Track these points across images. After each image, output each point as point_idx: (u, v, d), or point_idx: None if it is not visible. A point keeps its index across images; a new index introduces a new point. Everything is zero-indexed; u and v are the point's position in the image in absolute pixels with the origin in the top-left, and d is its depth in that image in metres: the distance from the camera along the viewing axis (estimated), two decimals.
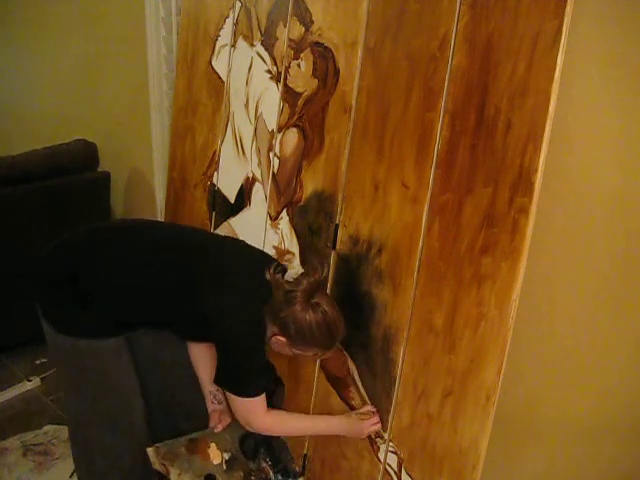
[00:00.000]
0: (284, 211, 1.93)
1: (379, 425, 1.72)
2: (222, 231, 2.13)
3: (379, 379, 1.74)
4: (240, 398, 1.61)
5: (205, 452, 1.76)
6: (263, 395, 1.62)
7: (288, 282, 1.59)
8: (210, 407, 1.89)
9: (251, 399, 1.60)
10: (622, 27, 1.41)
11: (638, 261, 1.47)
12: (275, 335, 1.59)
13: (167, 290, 1.60)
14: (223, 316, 1.54)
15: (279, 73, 1.88)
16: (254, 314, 1.57)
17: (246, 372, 1.60)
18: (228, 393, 1.63)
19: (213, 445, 1.78)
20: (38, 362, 2.79)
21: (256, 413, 1.63)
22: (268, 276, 1.57)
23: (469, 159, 1.49)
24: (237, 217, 2.08)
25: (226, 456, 1.78)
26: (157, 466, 1.70)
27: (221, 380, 1.63)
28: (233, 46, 2.01)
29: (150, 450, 1.71)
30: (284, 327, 1.56)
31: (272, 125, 1.93)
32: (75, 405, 1.75)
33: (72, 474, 2.14)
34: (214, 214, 2.14)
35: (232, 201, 2.09)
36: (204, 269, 1.60)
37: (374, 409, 1.73)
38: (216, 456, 1.77)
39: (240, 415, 1.65)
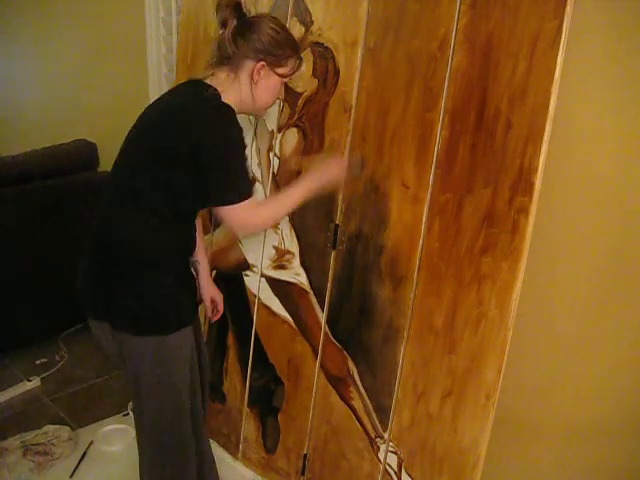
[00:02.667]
0: None
1: (345, 160, 1.69)
2: (222, 231, 2.13)
3: (379, 379, 1.74)
4: (241, 204, 1.51)
5: None
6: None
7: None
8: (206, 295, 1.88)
9: (251, 199, 1.54)
10: (622, 27, 1.41)
11: (637, 260, 1.47)
12: (256, 65, 1.54)
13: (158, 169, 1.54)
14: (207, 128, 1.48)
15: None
16: (218, 103, 1.51)
17: (241, 171, 1.53)
18: (227, 208, 1.52)
19: None
20: (38, 362, 2.80)
21: (256, 211, 1.57)
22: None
23: (469, 159, 1.49)
24: None
25: None
26: None
27: (221, 197, 1.52)
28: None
29: None
30: (253, 48, 1.53)
31: (272, 125, 1.93)
32: (166, 405, 1.68)
33: (72, 474, 2.15)
34: (214, 214, 2.14)
35: None
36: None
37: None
38: None
39: (240, 224, 1.59)
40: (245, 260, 2.06)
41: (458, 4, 1.47)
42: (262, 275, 2.01)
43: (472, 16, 1.45)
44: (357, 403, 1.80)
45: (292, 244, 1.92)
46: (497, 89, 1.43)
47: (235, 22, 1.52)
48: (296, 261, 1.91)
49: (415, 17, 1.55)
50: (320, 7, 1.74)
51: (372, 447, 1.79)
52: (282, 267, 1.95)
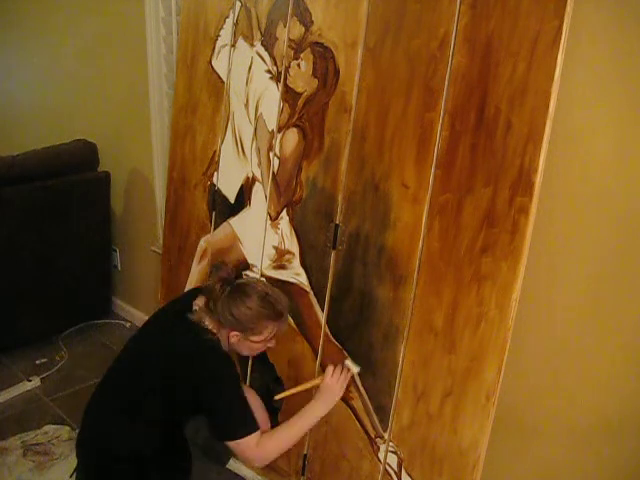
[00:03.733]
0: (284, 211, 1.93)
1: (345, 377, 1.68)
2: (222, 231, 2.13)
3: (379, 379, 1.74)
4: (248, 437, 1.55)
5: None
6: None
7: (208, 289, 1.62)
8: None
9: (256, 432, 1.56)
10: (622, 27, 1.41)
11: (637, 260, 1.47)
12: (230, 334, 1.59)
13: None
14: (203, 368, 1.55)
15: (279, 73, 1.88)
16: (215, 348, 1.58)
17: (243, 409, 1.58)
18: (235, 442, 1.55)
19: None
20: (38, 362, 2.79)
21: (262, 444, 1.57)
22: (196, 306, 1.62)
23: (469, 159, 1.49)
24: (237, 217, 2.08)
25: None
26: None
27: (228, 432, 1.57)
28: (233, 46, 2.01)
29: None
30: (230, 320, 1.56)
31: (272, 125, 1.93)
32: None
33: (72, 474, 2.15)
34: (214, 214, 2.14)
35: (232, 201, 2.09)
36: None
37: (332, 367, 1.69)
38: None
39: (248, 456, 1.61)
40: (245, 260, 2.06)
41: (458, 4, 1.47)
42: (262, 275, 2.01)
43: (472, 16, 1.45)
44: (357, 403, 1.80)
45: (292, 244, 1.92)
46: (497, 89, 1.43)
47: (223, 290, 1.56)
48: (296, 261, 1.91)
49: (415, 17, 1.55)
50: (320, 7, 1.74)
51: (372, 447, 1.79)
52: (282, 267, 1.95)
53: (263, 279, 1.70)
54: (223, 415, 1.57)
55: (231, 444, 1.56)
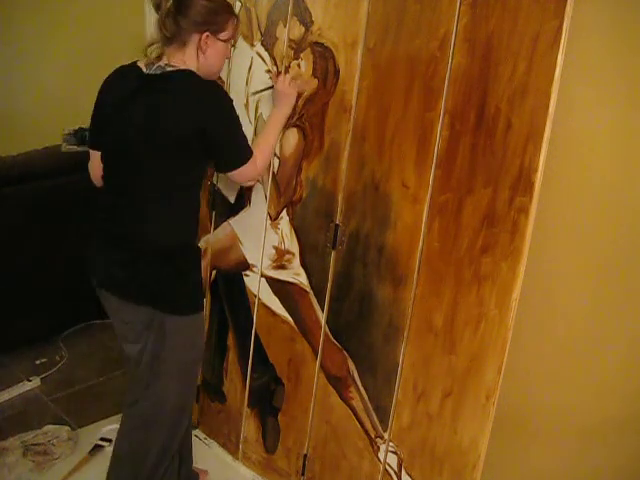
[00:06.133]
0: (284, 211, 1.93)
1: (289, 78, 1.78)
2: (222, 231, 2.13)
3: (379, 379, 1.74)
4: (248, 162, 1.67)
5: None
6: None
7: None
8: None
9: (254, 156, 1.68)
10: (622, 27, 1.41)
11: (637, 260, 1.47)
12: (202, 38, 1.60)
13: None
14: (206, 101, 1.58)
15: (279, 73, 1.88)
16: (196, 79, 1.60)
17: (243, 136, 1.67)
18: (236, 171, 1.68)
19: None
20: (38, 362, 2.79)
21: (256, 164, 1.70)
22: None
23: (469, 159, 1.49)
24: (237, 217, 2.08)
25: None
26: None
27: (231, 162, 1.67)
28: (233, 46, 2.01)
29: None
30: (194, 21, 1.57)
31: None
32: (182, 388, 1.82)
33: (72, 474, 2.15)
34: (214, 214, 2.14)
35: (232, 201, 2.09)
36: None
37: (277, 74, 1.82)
38: None
39: (246, 180, 1.77)
40: (245, 260, 2.06)
41: (458, 4, 1.47)
42: (262, 275, 2.01)
43: (472, 16, 1.45)
44: (357, 403, 1.80)
45: (292, 244, 1.92)
46: (497, 89, 1.43)
47: (170, 2, 1.55)
48: (296, 261, 1.91)
49: (415, 17, 1.55)
50: (320, 7, 1.74)
51: (372, 447, 1.79)
52: (282, 267, 1.95)
53: None
54: (232, 145, 1.67)
55: (238, 170, 1.67)
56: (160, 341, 1.70)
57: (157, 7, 1.58)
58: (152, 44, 1.65)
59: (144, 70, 1.63)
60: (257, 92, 1.89)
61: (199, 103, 1.57)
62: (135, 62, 1.69)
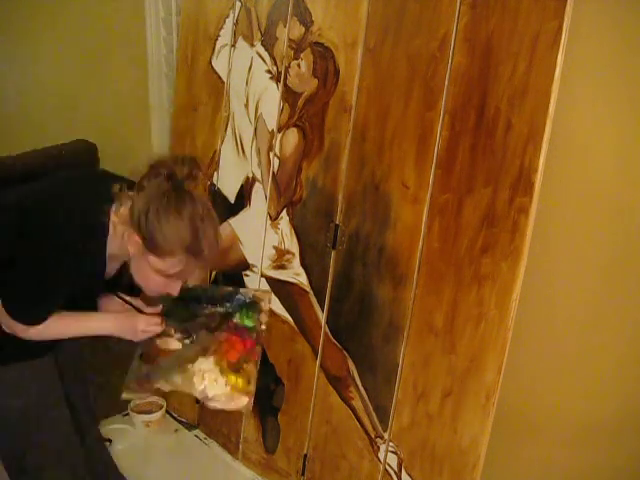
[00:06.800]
0: (284, 211, 1.93)
1: (157, 327, 1.49)
2: (222, 231, 2.12)
3: (379, 379, 1.74)
4: (23, 322, 1.35)
5: (164, 351, 1.56)
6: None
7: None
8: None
9: (35, 324, 1.36)
10: (622, 27, 1.41)
11: (637, 260, 1.47)
12: (132, 237, 1.27)
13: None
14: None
15: (279, 73, 1.88)
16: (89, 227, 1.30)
17: (36, 294, 1.34)
18: (9, 316, 1.34)
19: (161, 341, 1.56)
20: None
21: (27, 330, 1.37)
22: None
23: (469, 159, 1.49)
24: (237, 217, 2.08)
25: (179, 336, 1.58)
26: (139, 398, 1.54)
27: (11, 307, 1.34)
28: (233, 46, 2.01)
29: (125, 394, 1.53)
30: (140, 221, 1.24)
31: (272, 125, 1.93)
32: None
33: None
34: None
35: (232, 201, 2.09)
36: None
37: (156, 310, 1.52)
38: (173, 343, 1.57)
39: (12, 329, 1.37)
40: (245, 260, 2.06)
41: (458, 4, 1.47)
42: (262, 275, 2.01)
43: (472, 16, 1.45)
44: (357, 403, 1.80)
45: (292, 244, 1.92)
46: (497, 89, 1.43)
47: (167, 186, 1.26)
48: (296, 261, 1.91)
49: (415, 17, 1.55)
50: (320, 7, 1.74)
51: (372, 447, 1.79)
52: (282, 267, 1.95)
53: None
54: (17, 290, 1.33)
55: (8, 317, 1.34)
56: None
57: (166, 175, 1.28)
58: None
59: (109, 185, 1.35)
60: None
61: (27, 230, 1.30)
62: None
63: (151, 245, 1.25)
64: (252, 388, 1.50)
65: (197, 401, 2.29)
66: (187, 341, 1.59)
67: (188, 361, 1.54)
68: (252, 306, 1.67)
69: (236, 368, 1.53)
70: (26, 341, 1.40)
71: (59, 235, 1.30)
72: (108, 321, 1.49)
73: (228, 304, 1.67)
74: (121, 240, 1.30)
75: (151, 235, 1.23)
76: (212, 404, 1.49)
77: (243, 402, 1.48)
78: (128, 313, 1.50)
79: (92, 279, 1.42)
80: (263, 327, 1.63)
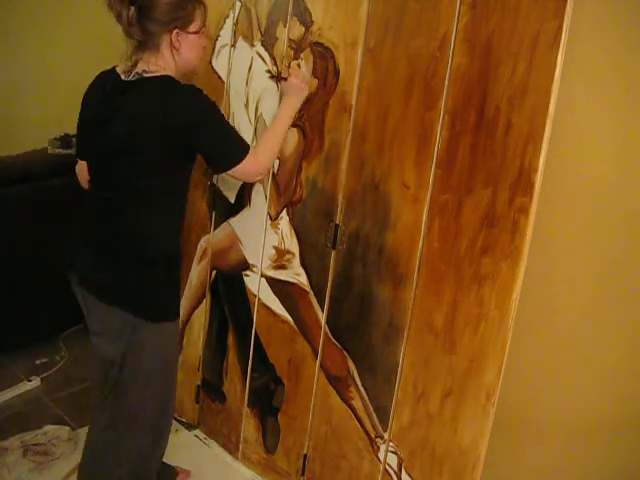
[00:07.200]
0: (284, 211, 1.93)
1: (297, 71, 1.78)
2: (222, 231, 2.13)
3: (379, 379, 1.74)
4: (249, 155, 1.62)
5: None
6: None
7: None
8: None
9: (250, 151, 1.63)
10: (622, 27, 1.41)
11: (637, 260, 1.47)
12: (172, 36, 1.56)
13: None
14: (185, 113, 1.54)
15: (279, 73, 1.88)
16: (175, 84, 1.58)
17: (233, 133, 1.65)
18: (240, 165, 1.62)
19: None
20: (38, 362, 2.79)
21: (256, 159, 1.65)
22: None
23: (469, 159, 1.49)
24: (237, 217, 2.08)
25: None
26: None
27: (225, 161, 1.63)
28: (233, 46, 2.01)
29: None
30: (162, 22, 1.54)
31: None
32: (157, 396, 1.77)
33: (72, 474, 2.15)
34: (214, 214, 2.14)
35: (232, 201, 2.09)
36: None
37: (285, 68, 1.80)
38: None
39: (248, 177, 1.72)
40: (245, 260, 2.06)
41: (458, 4, 1.47)
42: (262, 275, 2.01)
43: (472, 16, 1.45)
44: (357, 403, 1.80)
45: (292, 244, 1.92)
46: (497, 89, 1.43)
47: (132, 10, 1.51)
48: (296, 261, 1.91)
49: (415, 17, 1.55)
50: (320, 7, 1.74)
51: (372, 447, 1.79)
52: (282, 267, 1.95)
53: None
54: (222, 144, 1.63)
55: (236, 168, 1.62)
56: (132, 345, 1.67)
57: (119, 17, 1.53)
58: (129, 54, 1.60)
59: (122, 77, 1.59)
60: (273, 77, 1.87)
61: (179, 109, 1.54)
62: (114, 67, 1.64)
63: (182, 22, 1.56)
64: None
65: (197, 401, 2.29)
66: None
67: None
68: None
69: None
70: (176, 300, 1.74)
71: (197, 93, 1.59)
72: (286, 104, 1.78)
73: None
74: (174, 60, 1.60)
75: (176, 18, 1.55)
76: None
77: None
78: (284, 86, 1.80)
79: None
80: None
